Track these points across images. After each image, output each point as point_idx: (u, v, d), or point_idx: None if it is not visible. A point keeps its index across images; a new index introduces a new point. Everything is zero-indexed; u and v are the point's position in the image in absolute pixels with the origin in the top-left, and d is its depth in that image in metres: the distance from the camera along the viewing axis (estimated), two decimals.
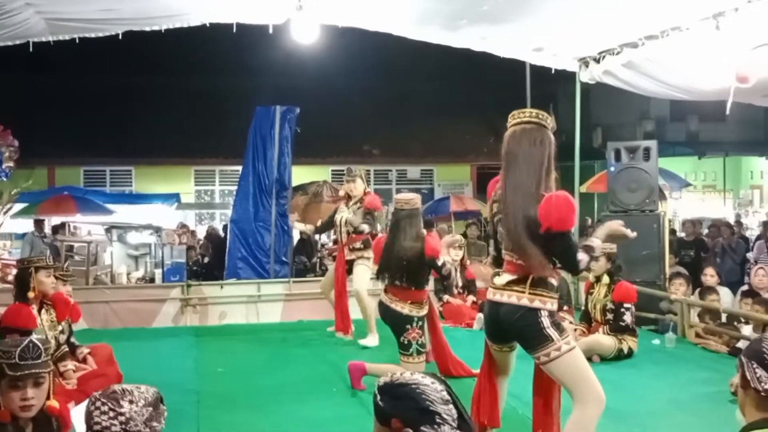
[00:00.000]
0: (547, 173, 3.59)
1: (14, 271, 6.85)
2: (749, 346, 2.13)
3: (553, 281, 3.65)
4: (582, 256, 3.48)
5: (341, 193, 7.76)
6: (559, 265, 3.63)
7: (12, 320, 4.95)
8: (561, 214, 3.41)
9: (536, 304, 3.56)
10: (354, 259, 7.38)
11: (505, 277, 3.66)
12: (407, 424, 1.85)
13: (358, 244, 7.36)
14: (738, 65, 6.81)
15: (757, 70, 6.76)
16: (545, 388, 3.81)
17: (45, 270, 5.24)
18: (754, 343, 2.12)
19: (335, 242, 8.11)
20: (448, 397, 1.85)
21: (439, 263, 5.54)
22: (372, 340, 7.14)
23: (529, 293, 3.57)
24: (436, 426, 1.81)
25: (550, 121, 3.68)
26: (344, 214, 7.43)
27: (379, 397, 1.90)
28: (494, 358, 3.90)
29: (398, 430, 1.86)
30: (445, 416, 1.82)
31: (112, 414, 2.03)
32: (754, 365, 2.00)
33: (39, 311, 5.19)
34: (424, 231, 5.70)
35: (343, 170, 9.54)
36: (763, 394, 1.97)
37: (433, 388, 1.85)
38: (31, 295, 5.10)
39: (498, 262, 3.82)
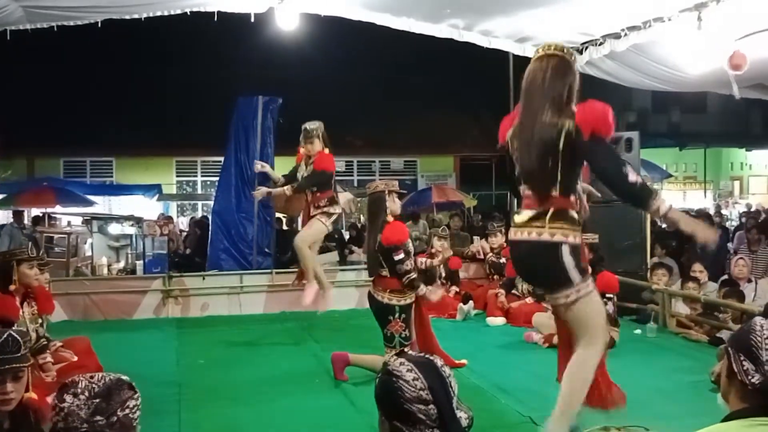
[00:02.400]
0: (567, 102, 3.48)
1: None
2: (736, 337, 2.09)
3: (575, 214, 3.48)
4: (630, 171, 3.27)
5: (301, 151, 7.18)
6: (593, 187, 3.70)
7: None
8: (597, 115, 3.33)
9: (557, 238, 3.40)
10: (316, 214, 7.12)
11: (525, 214, 3.54)
12: (383, 415, 1.86)
13: (322, 202, 7.07)
14: (730, 53, 6.85)
15: (747, 57, 6.80)
16: (567, 337, 3.77)
17: (27, 262, 5.20)
18: (741, 333, 2.07)
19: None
20: (428, 396, 1.79)
21: (397, 256, 5.30)
22: (308, 292, 7.04)
23: (549, 227, 3.42)
24: (410, 424, 1.79)
25: (574, 57, 3.64)
26: (302, 172, 7.15)
27: (376, 378, 1.91)
28: (559, 319, 3.79)
29: (380, 416, 1.87)
30: (419, 416, 1.78)
31: (56, 409, 1.91)
32: (742, 357, 1.99)
33: (21, 303, 5.15)
34: (390, 218, 5.48)
35: None
36: (749, 387, 1.97)
37: (412, 386, 1.80)
38: (12, 287, 5.06)
39: (519, 202, 3.74)
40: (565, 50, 3.62)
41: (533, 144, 3.47)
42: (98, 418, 1.87)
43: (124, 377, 1.99)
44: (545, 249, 3.45)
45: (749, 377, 1.97)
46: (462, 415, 1.85)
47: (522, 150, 3.56)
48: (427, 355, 1.94)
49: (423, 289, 5.47)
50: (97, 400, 1.89)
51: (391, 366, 1.87)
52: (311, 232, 7.12)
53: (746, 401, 1.98)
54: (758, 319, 2.07)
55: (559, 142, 3.39)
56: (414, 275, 5.41)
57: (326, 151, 6.97)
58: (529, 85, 3.64)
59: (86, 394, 1.90)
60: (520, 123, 3.60)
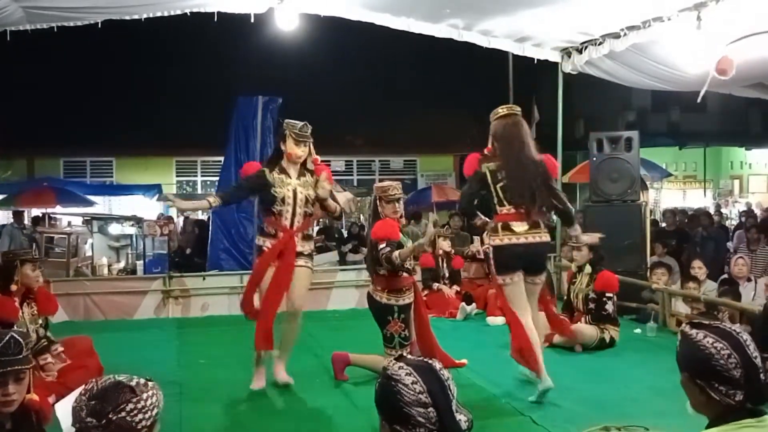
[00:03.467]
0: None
1: None
2: (697, 367, 2.07)
3: None
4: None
5: (292, 153, 5.51)
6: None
7: None
8: (555, 163, 5.38)
9: (548, 238, 5.21)
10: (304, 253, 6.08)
11: (523, 225, 4.98)
12: (383, 417, 1.87)
13: (310, 230, 6.44)
14: (717, 58, 6.86)
15: (735, 63, 6.80)
16: (546, 302, 5.44)
17: (31, 263, 5.22)
18: (700, 362, 2.06)
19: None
20: (427, 400, 1.81)
21: (380, 246, 5.17)
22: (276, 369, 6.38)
23: (544, 232, 5.07)
24: (410, 427, 1.80)
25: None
26: (303, 186, 6.32)
27: (377, 381, 1.92)
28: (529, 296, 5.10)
29: (381, 420, 1.88)
30: (419, 419, 1.80)
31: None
32: (716, 384, 2.02)
33: (21, 304, 5.16)
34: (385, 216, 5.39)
35: (327, 160, 9.47)
36: (735, 404, 2.01)
37: (411, 389, 1.81)
38: (14, 287, 5.07)
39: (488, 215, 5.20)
40: (520, 111, 5.18)
41: (527, 177, 4.96)
42: (90, 419, 1.88)
43: (128, 381, 1.96)
44: (547, 246, 5.28)
45: (732, 398, 2.01)
46: (461, 418, 1.86)
47: (515, 180, 4.97)
48: (425, 359, 1.95)
49: (397, 257, 5.06)
50: (93, 402, 1.90)
51: (390, 370, 1.88)
52: (306, 285, 5.67)
53: (730, 414, 2.02)
54: (699, 337, 2.08)
55: (542, 176, 5.02)
56: (388, 249, 5.11)
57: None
58: (508, 135, 5.05)
59: (87, 395, 1.92)
60: (507, 161, 5.00)
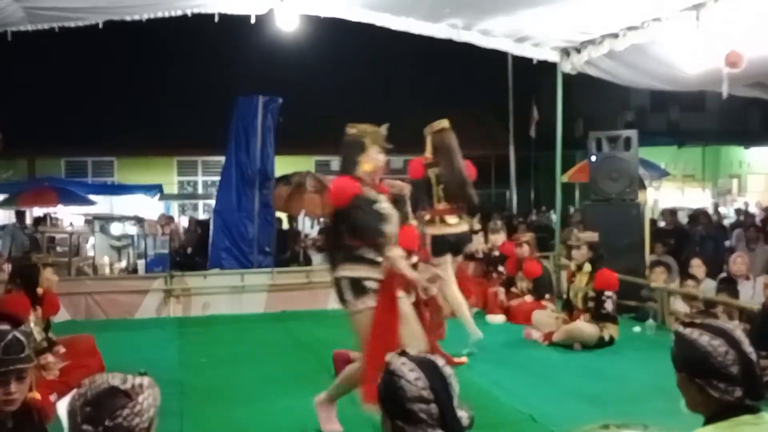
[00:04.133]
0: None
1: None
2: (696, 368, 2.10)
3: None
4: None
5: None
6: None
7: (11, 308, 4.97)
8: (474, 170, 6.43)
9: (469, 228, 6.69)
10: None
11: (454, 218, 6.24)
12: (385, 412, 1.88)
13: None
14: (727, 51, 6.86)
15: (744, 56, 6.82)
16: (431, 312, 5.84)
17: (51, 267, 5.38)
18: (698, 361, 2.09)
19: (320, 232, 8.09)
20: (429, 396, 1.82)
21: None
22: None
23: (467, 223, 6.46)
24: (411, 423, 1.82)
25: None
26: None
27: (380, 377, 1.94)
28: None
29: (382, 415, 1.90)
30: (421, 415, 1.81)
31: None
32: (715, 382, 2.04)
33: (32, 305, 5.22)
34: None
35: (326, 160, 9.50)
36: (734, 401, 2.03)
37: (414, 385, 1.83)
38: (40, 291, 5.16)
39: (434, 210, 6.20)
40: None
41: (466, 181, 6.21)
42: (86, 426, 1.86)
43: (123, 384, 1.93)
44: (468, 234, 6.74)
45: (730, 395, 2.03)
46: (462, 415, 1.87)
47: (452, 183, 6.16)
48: (428, 355, 1.97)
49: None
50: (88, 409, 1.88)
51: (393, 365, 1.90)
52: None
53: (728, 410, 2.03)
54: (695, 336, 2.12)
55: (469, 179, 6.25)
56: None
57: None
58: (447, 146, 6.22)
59: (81, 400, 1.89)
60: (447, 168, 6.18)
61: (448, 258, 6.22)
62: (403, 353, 1.94)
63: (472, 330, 6.24)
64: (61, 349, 5.51)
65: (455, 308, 6.31)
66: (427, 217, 6.21)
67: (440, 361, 1.93)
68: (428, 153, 6.31)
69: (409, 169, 6.41)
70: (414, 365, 1.88)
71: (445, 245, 6.20)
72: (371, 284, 4.02)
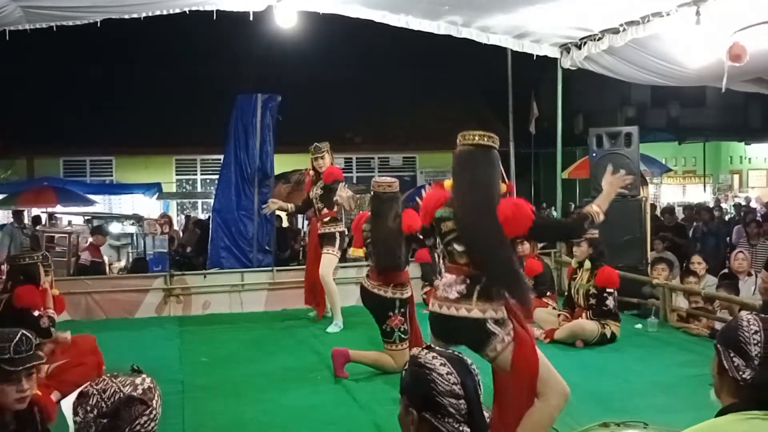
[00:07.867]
0: (498, 191, 3.66)
1: None
2: (724, 334, 2.09)
3: None
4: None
5: (310, 171, 7.92)
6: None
7: (30, 300, 5.07)
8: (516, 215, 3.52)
9: None
10: (325, 233, 7.55)
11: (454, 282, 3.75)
12: (412, 405, 1.87)
13: (327, 219, 7.58)
14: (729, 45, 6.84)
15: (747, 49, 6.80)
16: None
17: (45, 267, 5.36)
18: (728, 330, 2.08)
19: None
20: (460, 392, 1.83)
21: (420, 236, 5.25)
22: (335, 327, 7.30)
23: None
24: (439, 416, 1.81)
25: (496, 142, 3.70)
26: (315, 193, 7.68)
27: (404, 367, 1.93)
28: None
29: (406, 406, 1.88)
30: (450, 409, 1.81)
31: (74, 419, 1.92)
32: (732, 354, 2.01)
33: None
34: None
35: None
36: (741, 382, 1.99)
37: (446, 380, 1.83)
38: (41, 287, 5.22)
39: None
40: (488, 138, 3.71)
41: (486, 236, 3.64)
42: None
43: (134, 390, 1.93)
44: None
45: (740, 373, 1.99)
46: (487, 414, 1.89)
47: (470, 237, 3.69)
48: (456, 352, 1.96)
49: None
50: (105, 420, 1.87)
51: (422, 359, 1.89)
52: (326, 263, 7.42)
53: (738, 396, 2.00)
54: (744, 314, 2.09)
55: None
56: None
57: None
58: (464, 174, 3.74)
59: (95, 412, 1.88)
60: (462, 212, 3.72)
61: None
62: (430, 348, 1.94)
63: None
64: (67, 335, 5.50)
65: None
66: None
67: (469, 359, 1.94)
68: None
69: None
70: (445, 360, 1.88)
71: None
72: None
